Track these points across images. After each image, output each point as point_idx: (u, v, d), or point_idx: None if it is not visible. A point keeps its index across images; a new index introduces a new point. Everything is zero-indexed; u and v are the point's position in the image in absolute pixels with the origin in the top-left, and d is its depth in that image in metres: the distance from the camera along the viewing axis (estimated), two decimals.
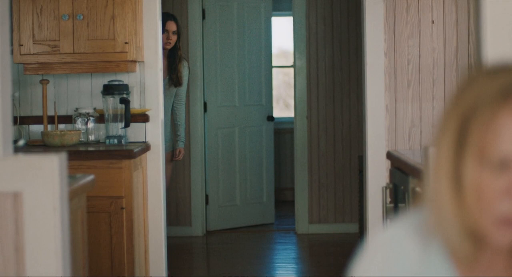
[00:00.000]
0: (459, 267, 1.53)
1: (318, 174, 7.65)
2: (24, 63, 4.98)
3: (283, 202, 9.53)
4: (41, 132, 5.04)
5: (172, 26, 6.30)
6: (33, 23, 4.94)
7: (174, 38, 6.31)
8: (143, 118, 5.23)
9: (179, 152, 6.48)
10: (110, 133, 5.09)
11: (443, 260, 1.54)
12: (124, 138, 5.07)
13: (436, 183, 1.50)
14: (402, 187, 3.91)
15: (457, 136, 1.46)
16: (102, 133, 5.21)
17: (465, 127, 1.45)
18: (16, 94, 5.26)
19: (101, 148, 4.81)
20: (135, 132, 5.23)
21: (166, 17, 6.30)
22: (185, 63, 6.48)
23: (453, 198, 1.48)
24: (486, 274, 1.53)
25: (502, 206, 1.44)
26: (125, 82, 5.15)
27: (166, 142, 6.36)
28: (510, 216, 1.44)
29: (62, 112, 5.29)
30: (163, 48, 6.22)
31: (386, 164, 5.04)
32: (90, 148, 4.82)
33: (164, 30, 6.22)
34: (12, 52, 4.91)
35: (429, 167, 1.52)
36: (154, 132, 5.25)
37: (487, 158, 1.44)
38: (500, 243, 1.48)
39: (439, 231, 1.51)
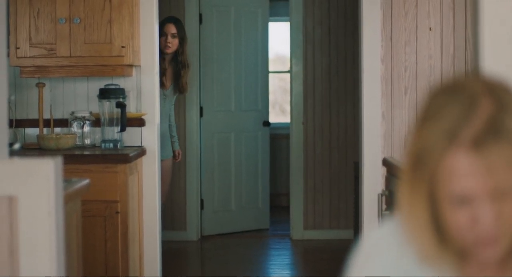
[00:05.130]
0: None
1: (313, 180, 7.64)
2: (20, 66, 4.97)
3: (278, 207, 9.51)
4: (37, 136, 5.03)
5: (171, 28, 6.16)
6: (30, 26, 4.93)
7: (174, 41, 6.15)
8: (139, 122, 5.22)
9: (178, 153, 6.44)
10: (106, 137, 5.08)
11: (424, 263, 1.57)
12: (119, 142, 5.06)
13: (398, 213, 1.58)
14: None
15: (412, 174, 1.52)
16: (98, 137, 5.20)
17: (418, 168, 1.51)
18: (12, 97, 5.25)
19: (96, 152, 4.80)
20: (131, 136, 5.22)
21: (166, 20, 6.22)
22: None
23: (411, 226, 1.56)
24: None
25: (470, 234, 1.48)
26: (121, 86, 5.14)
27: (167, 148, 6.28)
28: (482, 239, 1.47)
29: (58, 115, 5.28)
30: (164, 53, 6.14)
31: (382, 171, 5.03)
32: (86, 152, 4.82)
33: (163, 32, 6.12)
34: (8, 55, 4.91)
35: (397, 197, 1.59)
36: (150, 137, 5.24)
37: (444, 195, 1.48)
38: (485, 260, 1.51)
39: (416, 245, 1.57)
